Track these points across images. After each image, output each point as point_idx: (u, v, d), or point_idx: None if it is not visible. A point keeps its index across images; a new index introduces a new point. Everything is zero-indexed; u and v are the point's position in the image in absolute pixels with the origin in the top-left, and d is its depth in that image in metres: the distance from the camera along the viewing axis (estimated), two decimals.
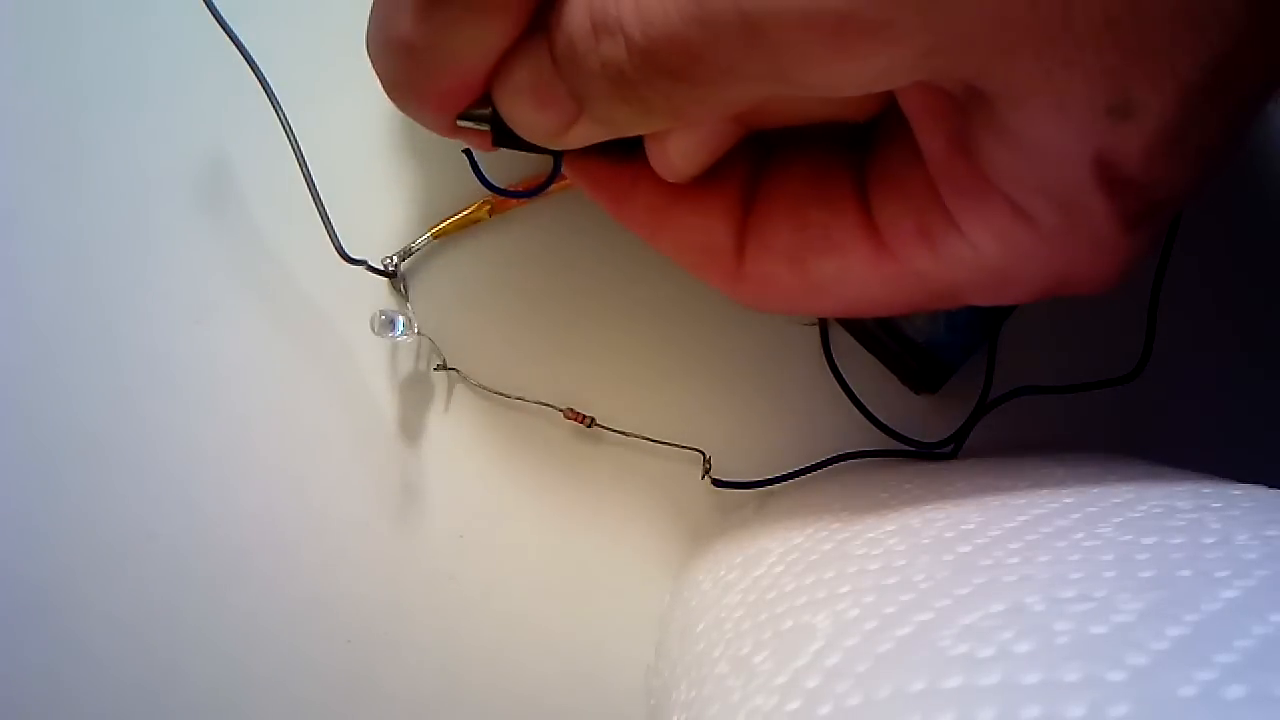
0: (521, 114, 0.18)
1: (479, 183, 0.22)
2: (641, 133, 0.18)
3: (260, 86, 0.25)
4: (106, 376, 0.28)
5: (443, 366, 0.27)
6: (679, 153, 0.19)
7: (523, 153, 0.20)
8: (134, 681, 0.28)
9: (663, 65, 0.16)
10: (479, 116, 0.19)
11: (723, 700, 0.15)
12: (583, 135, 0.18)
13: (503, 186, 0.23)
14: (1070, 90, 0.14)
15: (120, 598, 0.28)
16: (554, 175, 0.21)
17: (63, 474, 0.28)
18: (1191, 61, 0.14)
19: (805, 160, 0.20)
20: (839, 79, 0.15)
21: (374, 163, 0.27)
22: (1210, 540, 0.14)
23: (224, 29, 0.25)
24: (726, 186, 0.20)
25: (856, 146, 0.20)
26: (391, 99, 0.19)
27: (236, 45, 0.25)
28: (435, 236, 0.27)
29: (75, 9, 0.28)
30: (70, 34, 0.28)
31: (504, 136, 0.19)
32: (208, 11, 0.24)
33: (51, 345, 0.28)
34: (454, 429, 0.27)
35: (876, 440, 0.27)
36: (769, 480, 0.26)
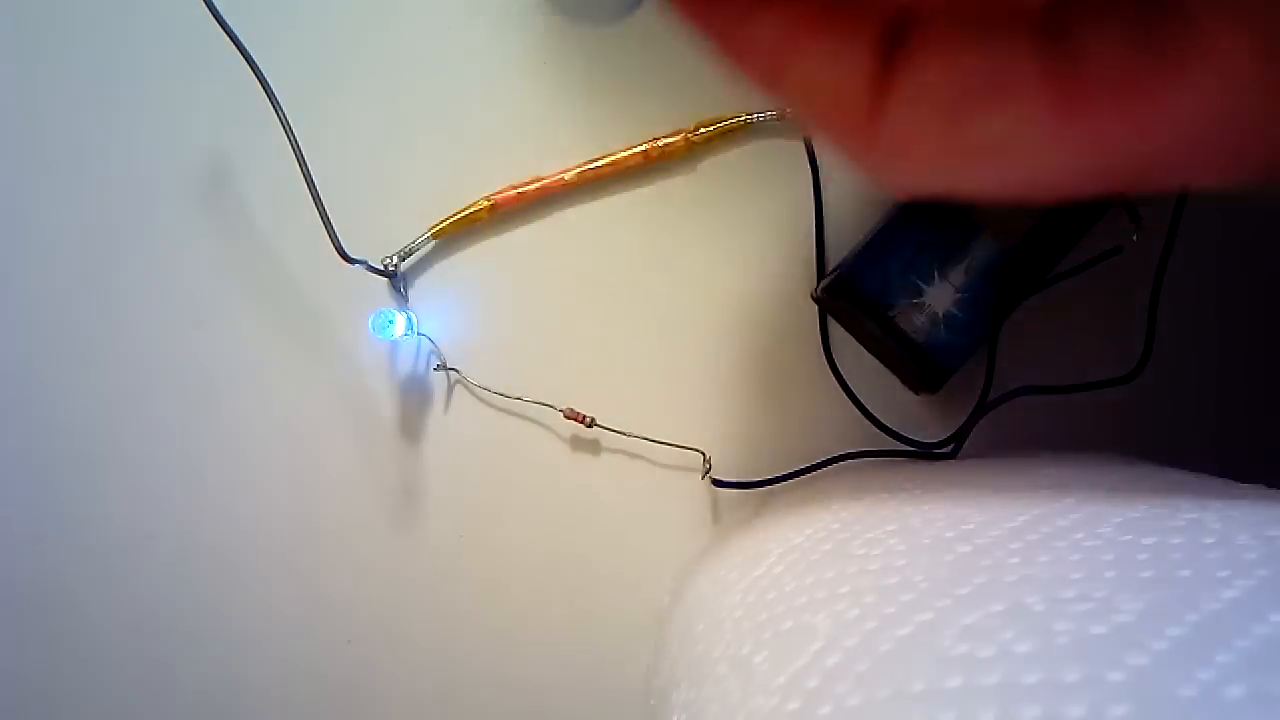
0: None
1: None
2: None
3: (260, 87, 0.25)
4: (106, 377, 0.28)
5: (442, 367, 0.27)
6: None
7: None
8: (134, 681, 0.28)
9: None
10: None
11: (723, 700, 0.15)
12: None
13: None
14: None
15: (120, 598, 0.28)
16: None
17: (63, 474, 0.28)
18: None
19: None
20: None
21: (374, 163, 0.27)
22: (1210, 540, 0.14)
23: (224, 29, 0.25)
24: (868, 14, 0.15)
25: None
26: None
27: (237, 46, 0.25)
28: (435, 236, 0.27)
29: (75, 9, 0.28)
30: (70, 34, 0.28)
31: None
32: (208, 12, 0.24)
33: (51, 345, 0.28)
34: (454, 429, 0.27)
35: (876, 440, 0.27)
36: (769, 480, 0.26)
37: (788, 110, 0.17)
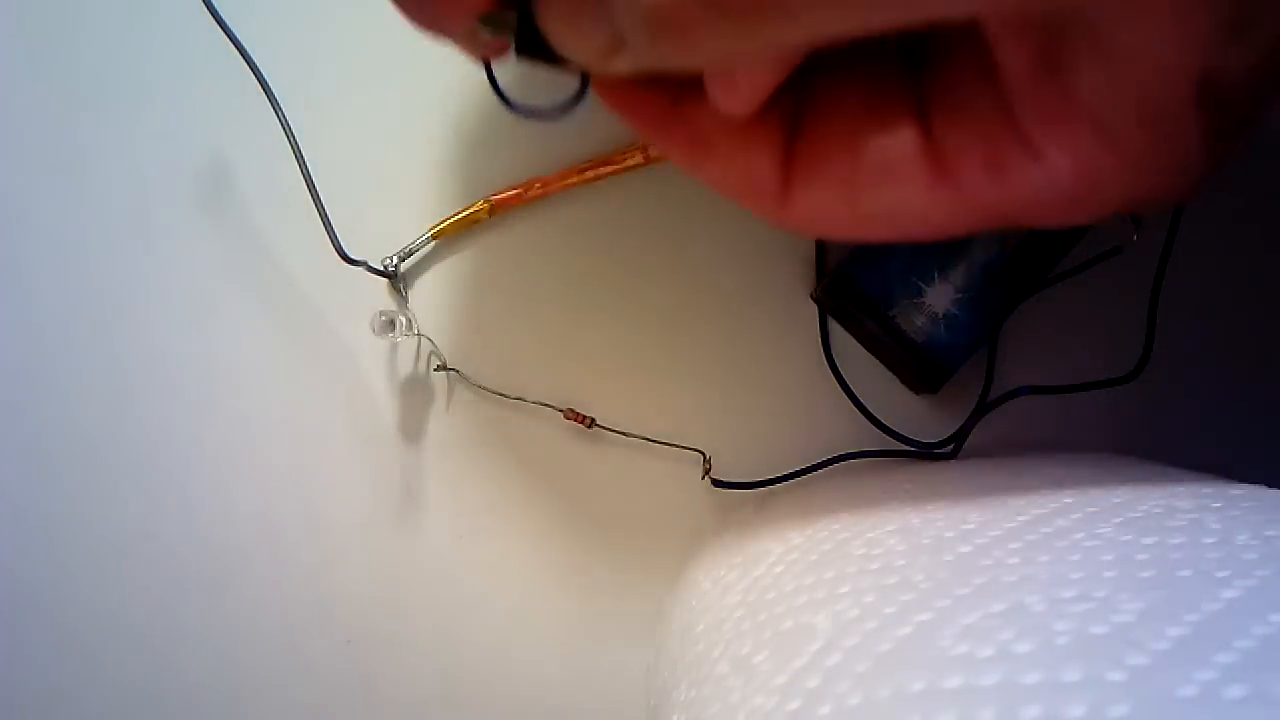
0: (559, 31, 0.16)
1: (496, 98, 0.19)
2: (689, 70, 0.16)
3: (260, 87, 0.25)
4: (106, 376, 0.28)
5: (443, 367, 0.27)
6: (744, 95, 0.17)
7: (547, 71, 0.17)
8: (134, 681, 0.28)
9: (729, 5, 0.14)
10: (502, 20, 0.17)
11: (723, 700, 0.15)
12: (626, 66, 0.16)
13: (498, 191, 0.20)
14: (1189, 5, 0.13)
15: (120, 598, 0.28)
16: (581, 95, 0.18)
17: (63, 474, 0.28)
18: None
19: (857, 80, 0.18)
20: (950, 4, 0.14)
21: (374, 163, 0.27)
22: (1210, 540, 0.14)
23: (224, 30, 0.25)
24: (772, 112, 0.18)
25: (913, 64, 0.18)
26: (402, 8, 0.17)
27: (236, 46, 0.25)
28: (435, 236, 0.27)
29: (75, 9, 0.28)
30: (70, 34, 0.28)
31: (529, 47, 0.16)
32: (208, 12, 0.24)
33: (51, 345, 0.28)
34: (454, 429, 0.27)
35: (876, 440, 0.27)
36: (769, 480, 0.26)
37: None
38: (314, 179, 0.25)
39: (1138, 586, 0.13)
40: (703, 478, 0.26)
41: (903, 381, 0.26)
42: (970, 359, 0.26)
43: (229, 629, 0.28)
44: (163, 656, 0.28)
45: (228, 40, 0.25)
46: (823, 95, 0.18)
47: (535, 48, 0.16)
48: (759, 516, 0.24)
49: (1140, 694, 0.10)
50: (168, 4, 0.28)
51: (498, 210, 0.27)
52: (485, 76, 0.19)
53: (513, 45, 0.17)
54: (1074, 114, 0.16)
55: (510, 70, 0.18)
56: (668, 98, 0.18)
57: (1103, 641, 0.11)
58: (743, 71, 0.17)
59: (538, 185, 0.27)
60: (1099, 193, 0.17)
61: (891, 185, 0.18)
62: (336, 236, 0.25)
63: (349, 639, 0.27)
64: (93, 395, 0.28)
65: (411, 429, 0.27)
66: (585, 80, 0.18)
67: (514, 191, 0.27)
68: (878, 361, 0.27)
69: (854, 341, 0.27)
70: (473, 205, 0.27)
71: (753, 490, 0.26)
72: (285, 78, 0.25)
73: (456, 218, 0.27)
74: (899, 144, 0.17)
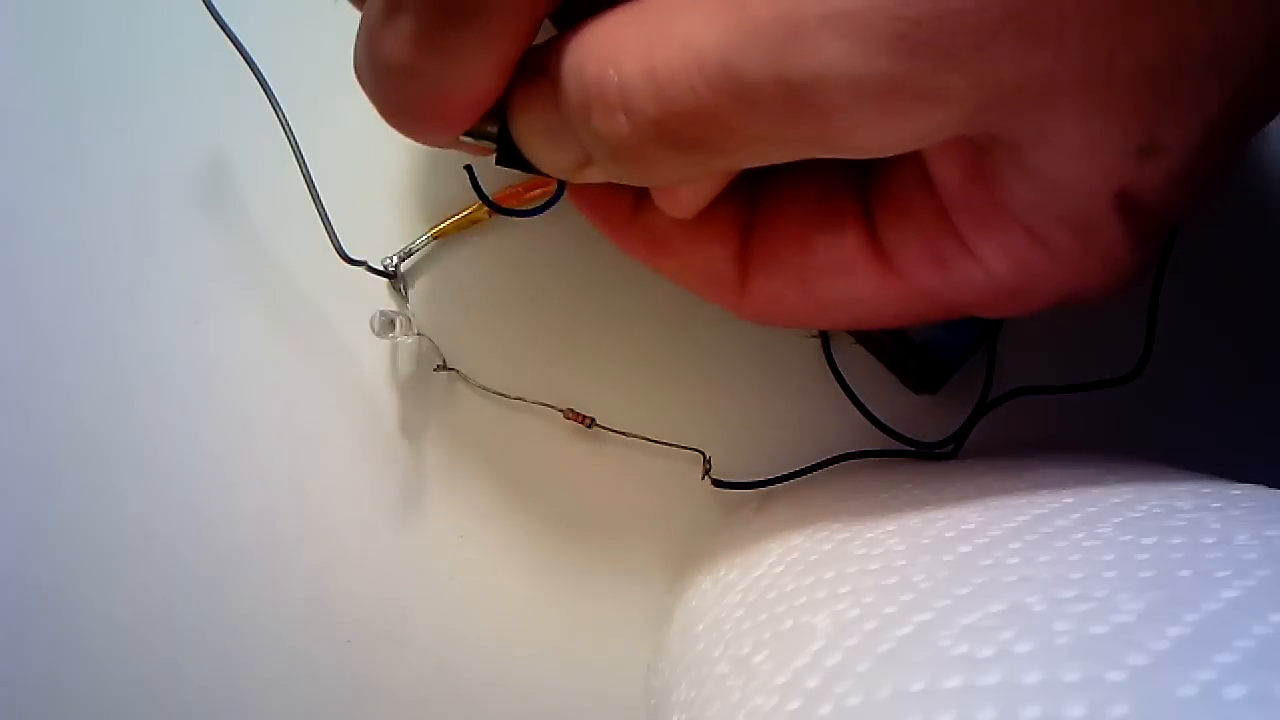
0: (533, 149, 0.18)
1: (479, 197, 0.22)
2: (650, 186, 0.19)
3: (260, 87, 0.25)
4: (106, 376, 0.28)
5: (443, 367, 0.27)
6: (690, 196, 0.19)
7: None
8: (134, 681, 0.28)
9: (681, 138, 0.15)
10: (484, 134, 0.19)
11: (723, 700, 0.15)
12: (594, 178, 0.18)
13: (503, 206, 0.23)
14: (1102, 134, 0.15)
15: (120, 598, 0.28)
16: (557, 198, 0.20)
17: (63, 474, 0.28)
18: (1216, 100, 0.14)
19: (807, 182, 0.20)
20: (881, 140, 0.15)
21: (374, 163, 0.27)
22: (1210, 540, 0.14)
23: (223, 29, 0.25)
24: (727, 212, 0.20)
25: (860, 169, 0.19)
26: (388, 121, 0.19)
27: (236, 46, 0.25)
28: (435, 237, 0.27)
29: (75, 9, 0.28)
30: (70, 34, 0.28)
31: (509, 157, 0.19)
32: (207, 12, 0.24)
33: (51, 345, 0.28)
34: (454, 429, 0.27)
35: (876, 440, 0.27)
36: (769, 480, 0.26)
37: None
38: (314, 179, 0.25)
39: (1138, 586, 0.13)
40: (703, 478, 0.26)
41: (903, 381, 0.26)
42: (970, 359, 0.26)
43: (229, 628, 0.28)
44: (162, 656, 0.28)
45: (227, 40, 0.25)
46: (776, 194, 0.20)
47: (514, 158, 0.19)
48: (759, 516, 0.24)
49: (1140, 694, 0.10)
50: (167, 3, 0.28)
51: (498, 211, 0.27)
52: (468, 179, 0.21)
53: (494, 155, 0.19)
54: (1006, 221, 0.17)
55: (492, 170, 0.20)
56: (628, 202, 0.20)
57: (1103, 641, 0.11)
58: (683, 190, 0.19)
59: (538, 185, 0.27)
60: (1036, 290, 0.18)
61: (841, 279, 0.19)
62: (336, 236, 0.25)
63: (349, 639, 0.27)
64: (93, 395, 0.28)
65: (411, 429, 0.27)
66: (561, 186, 0.20)
67: (514, 191, 0.27)
68: (878, 361, 0.27)
69: (854, 341, 0.27)
70: (473, 205, 0.27)
71: (753, 490, 0.26)
72: (285, 78, 0.25)
73: (456, 218, 0.27)
74: (846, 242, 0.19)
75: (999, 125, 0.15)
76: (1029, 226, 0.17)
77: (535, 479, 0.27)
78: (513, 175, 0.27)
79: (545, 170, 0.18)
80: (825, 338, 0.27)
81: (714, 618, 0.18)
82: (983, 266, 0.18)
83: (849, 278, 0.19)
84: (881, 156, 0.16)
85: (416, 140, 0.20)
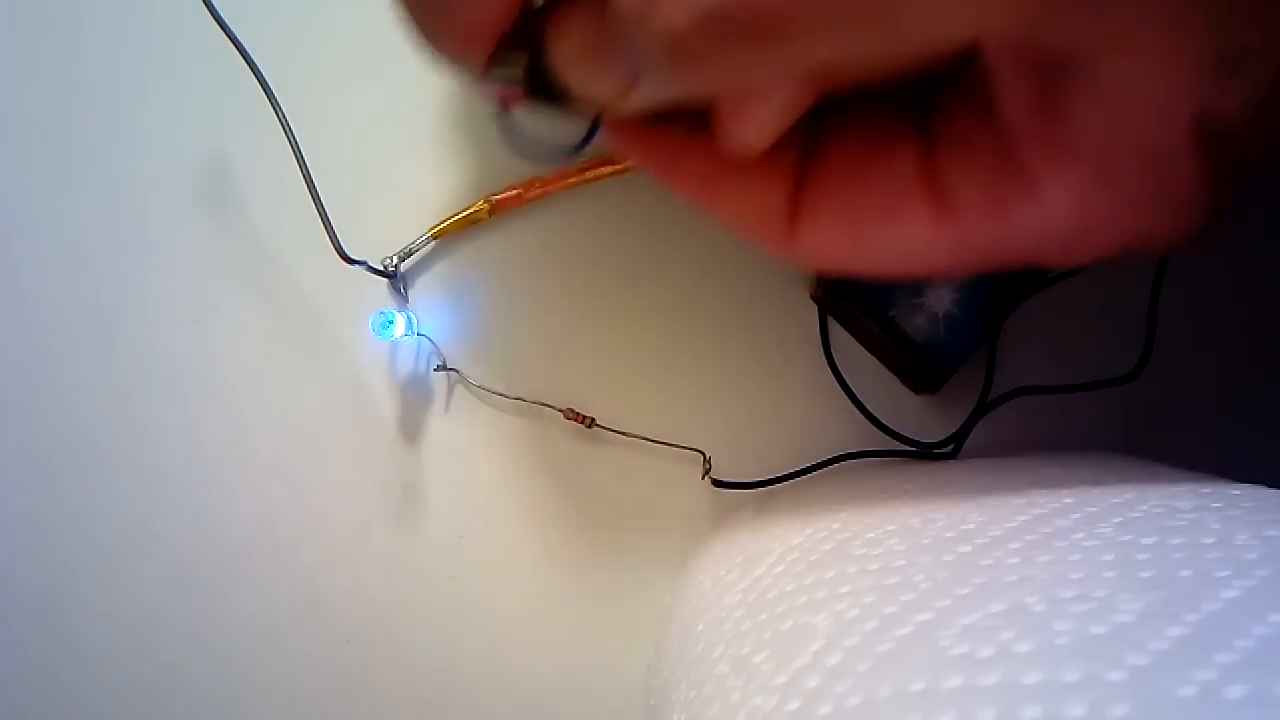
0: (574, 72, 0.16)
1: (512, 149, 0.19)
2: (700, 98, 0.17)
3: (260, 87, 0.25)
4: (106, 376, 0.28)
5: (443, 367, 0.27)
6: (757, 128, 0.17)
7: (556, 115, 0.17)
8: (134, 681, 0.28)
9: (740, 30, 0.14)
10: (511, 62, 0.17)
11: (723, 700, 0.15)
12: (640, 101, 0.16)
13: (500, 190, 0.20)
14: (1179, 45, 0.14)
15: (120, 598, 0.28)
16: (591, 135, 0.18)
17: (63, 474, 0.28)
18: None
19: (863, 122, 0.19)
20: (948, 19, 0.14)
21: (374, 163, 0.27)
22: (1210, 540, 0.14)
23: (224, 29, 0.25)
24: (781, 151, 0.19)
25: (918, 106, 0.18)
26: (411, 33, 0.18)
27: (236, 46, 0.25)
28: (435, 236, 0.27)
29: (75, 9, 0.28)
30: (70, 34, 0.28)
31: (540, 93, 0.17)
32: (207, 12, 0.24)
33: (51, 345, 0.28)
34: (454, 429, 0.27)
35: (876, 440, 0.27)
36: (769, 480, 0.26)
37: None
38: (314, 179, 0.25)
39: (1138, 586, 0.13)
40: (703, 478, 0.26)
41: (903, 381, 0.26)
42: (970, 359, 0.26)
43: (229, 628, 0.28)
44: (162, 656, 0.28)
45: (227, 40, 0.25)
46: (832, 133, 0.19)
47: (546, 91, 0.17)
48: (759, 516, 0.24)
49: (1140, 694, 0.10)
50: (167, 3, 0.28)
51: (498, 210, 0.27)
52: (497, 125, 0.18)
53: (523, 87, 0.17)
54: (1072, 154, 0.16)
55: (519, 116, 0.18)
56: (677, 138, 0.19)
57: (1103, 641, 0.11)
58: (755, 108, 0.17)
59: (538, 185, 0.27)
60: (1099, 232, 0.17)
61: (895, 221, 0.18)
62: (336, 236, 0.25)
63: (349, 639, 0.27)
64: (93, 395, 0.28)
65: (411, 429, 0.27)
66: (595, 122, 0.18)
67: (514, 191, 0.27)
68: (878, 361, 0.27)
69: (854, 341, 0.27)
70: (473, 205, 0.27)
71: (753, 490, 0.26)
72: (285, 77, 0.25)
73: (456, 218, 0.27)
74: (903, 181, 0.18)
75: (1069, 27, 0.14)
76: (1097, 160, 0.16)
77: (535, 479, 0.27)
78: (512, 175, 0.27)
79: (586, 95, 0.17)
80: (825, 335, 0.27)
81: (714, 618, 0.18)
82: (1045, 207, 0.16)
83: (904, 220, 0.18)
84: (945, 50, 0.15)
85: (442, 61, 0.18)
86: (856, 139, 0.19)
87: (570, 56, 0.16)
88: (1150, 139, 0.15)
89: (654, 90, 0.16)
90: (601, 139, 0.18)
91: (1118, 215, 0.16)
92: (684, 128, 0.19)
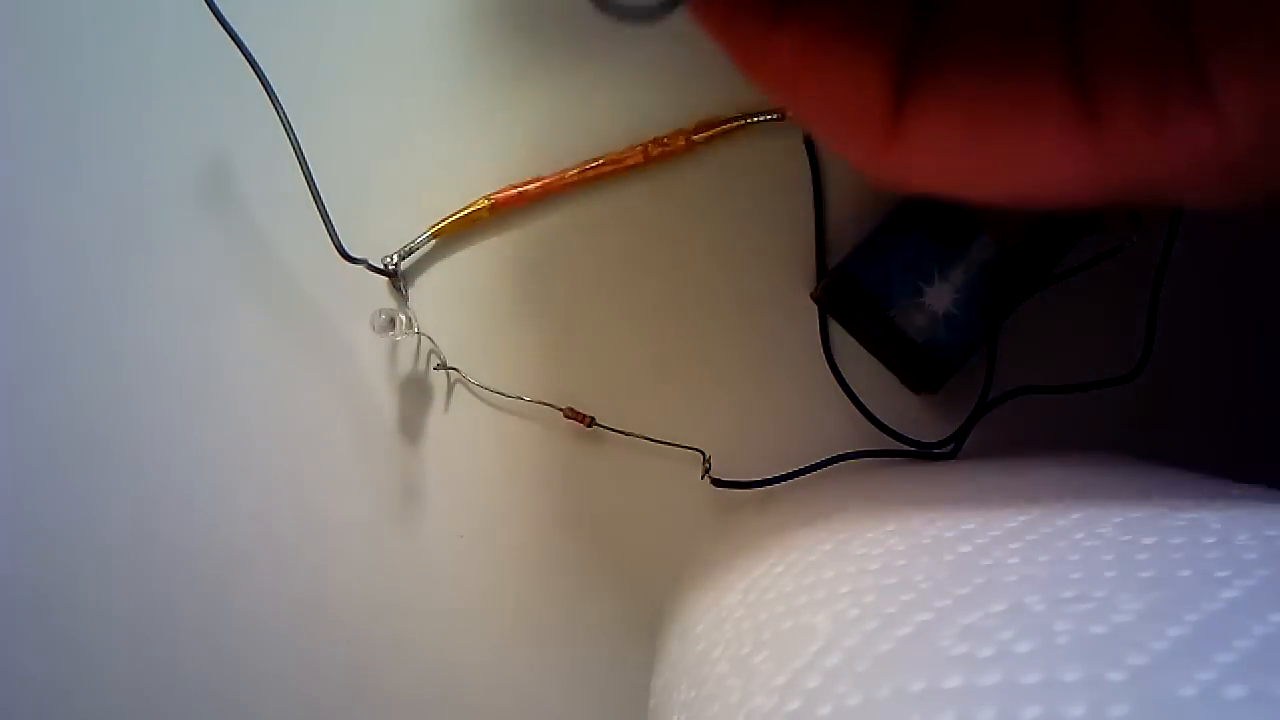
0: None
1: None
2: None
3: (261, 87, 0.25)
4: (106, 376, 0.28)
5: (443, 366, 0.27)
6: None
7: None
8: (134, 681, 0.28)
9: None
10: None
11: (723, 700, 0.15)
12: None
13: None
14: None
15: (120, 598, 0.28)
16: None
17: (62, 474, 0.28)
18: None
19: None
20: None
21: (374, 163, 0.27)
22: (1210, 540, 0.14)
23: (225, 29, 0.25)
24: (889, 26, 0.16)
25: None
26: None
27: (238, 45, 0.25)
28: (435, 236, 0.27)
29: (75, 9, 0.28)
30: (71, 34, 0.28)
31: None
32: (209, 12, 0.24)
33: (51, 345, 0.28)
34: (454, 429, 0.27)
35: (876, 440, 0.27)
36: (769, 480, 0.26)
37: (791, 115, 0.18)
38: (314, 178, 0.25)
39: (1138, 586, 0.13)
40: (702, 477, 0.26)
41: (903, 381, 0.26)
42: (970, 359, 0.26)
43: (229, 629, 0.28)
44: (163, 656, 0.28)
45: (229, 39, 0.25)
46: (953, 8, 0.16)
47: None
48: (759, 516, 0.24)
49: (1140, 694, 0.10)
50: (169, 3, 0.28)
51: (498, 209, 0.27)
52: None
53: None
54: (1271, 43, 0.13)
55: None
56: (769, 9, 0.15)
57: (1103, 641, 0.11)
58: None
59: (538, 185, 0.27)
60: (1273, 165, 0.14)
61: (1025, 121, 0.15)
62: (337, 235, 0.25)
63: (349, 639, 0.27)
64: (93, 395, 0.28)
65: (411, 428, 0.27)
66: None
67: (514, 191, 0.27)
68: (878, 361, 0.27)
69: (854, 341, 0.27)
70: (473, 204, 0.27)
71: (753, 490, 0.26)
72: (286, 76, 0.25)
73: (456, 217, 0.27)
74: (1041, 70, 0.15)
75: None
76: None
77: (535, 479, 0.27)
78: (512, 175, 0.27)
79: None
80: (825, 335, 0.27)
81: (714, 618, 0.18)
82: (1219, 115, 0.13)
83: (1035, 121, 0.15)
84: None
85: None
86: (986, 13, 0.16)
87: None
88: None
89: None
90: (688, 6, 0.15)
91: None
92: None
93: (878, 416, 0.27)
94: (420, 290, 0.27)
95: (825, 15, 0.16)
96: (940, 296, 0.25)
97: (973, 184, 0.16)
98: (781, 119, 0.26)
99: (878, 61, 0.16)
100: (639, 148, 0.26)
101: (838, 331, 0.27)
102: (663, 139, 0.26)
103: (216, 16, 0.24)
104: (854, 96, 0.16)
